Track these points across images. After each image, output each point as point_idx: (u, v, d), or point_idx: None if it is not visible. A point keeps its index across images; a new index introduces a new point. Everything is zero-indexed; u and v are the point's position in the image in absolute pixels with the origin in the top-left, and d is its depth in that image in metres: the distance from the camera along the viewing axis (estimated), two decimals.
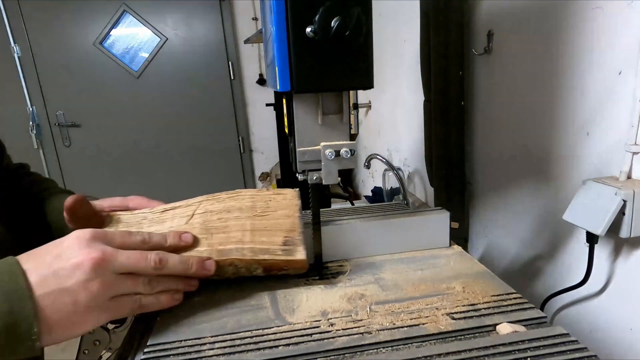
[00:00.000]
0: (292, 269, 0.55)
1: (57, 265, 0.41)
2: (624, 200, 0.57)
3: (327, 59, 0.47)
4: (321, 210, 0.59)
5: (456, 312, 0.48)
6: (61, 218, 0.62)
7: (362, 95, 1.90)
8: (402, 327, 0.45)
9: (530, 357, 0.40)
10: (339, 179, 0.54)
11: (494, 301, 0.50)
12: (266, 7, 0.51)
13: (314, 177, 0.54)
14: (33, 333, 0.38)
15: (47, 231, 0.66)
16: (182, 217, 0.56)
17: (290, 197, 0.58)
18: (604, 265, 0.67)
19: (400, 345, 0.43)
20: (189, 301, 0.53)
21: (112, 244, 0.45)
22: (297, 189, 0.59)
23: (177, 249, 0.51)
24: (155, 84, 2.92)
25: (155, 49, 2.87)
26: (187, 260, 0.49)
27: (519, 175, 0.86)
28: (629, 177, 0.60)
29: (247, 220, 0.55)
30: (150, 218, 0.57)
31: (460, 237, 1.05)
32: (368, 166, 1.32)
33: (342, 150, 0.52)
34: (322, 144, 0.52)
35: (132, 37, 2.86)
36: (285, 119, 0.59)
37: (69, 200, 0.56)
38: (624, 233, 0.58)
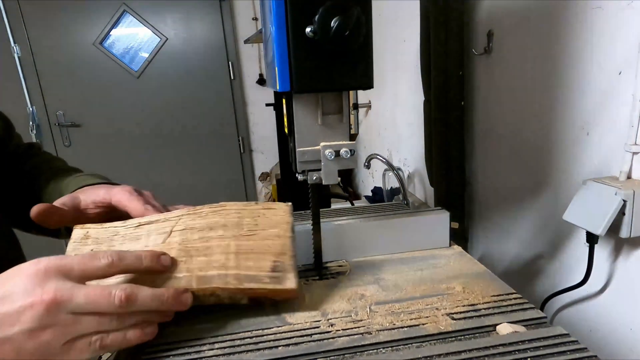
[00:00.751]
0: (281, 298, 0.50)
1: (2, 308, 0.36)
2: (624, 200, 0.57)
3: (327, 59, 0.47)
4: (321, 210, 0.59)
5: (456, 312, 0.48)
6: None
7: (362, 95, 1.89)
8: (402, 327, 0.45)
9: (530, 357, 0.40)
10: (339, 179, 0.54)
11: (494, 301, 0.50)
12: (266, 7, 0.51)
13: (314, 177, 0.54)
14: None
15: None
16: (159, 234, 0.49)
17: (282, 212, 0.51)
18: (604, 265, 0.67)
19: (400, 345, 0.43)
20: None
21: (71, 276, 0.38)
22: (290, 204, 0.53)
23: (152, 273, 0.45)
24: (155, 84, 2.92)
25: (155, 49, 2.87)
26: (160, 295, 0.41)
27: (519, 175, 0.86)
28: (629, 177, 0.60)
29: (232, 241, 0.49)
30: (122, 234, 0.49)
31: (460, 237, 1.05)
32: (368, 166, 1.32)
33: (342, 150, 0.52)
34: (322, 144, 0.52)
35: (132, 37, 2.85)
36: (285, 119, 0.58)
37: (33, 211, 0.48)
38: (624, 233, 0.58)
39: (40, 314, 0.36)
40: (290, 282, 0.48)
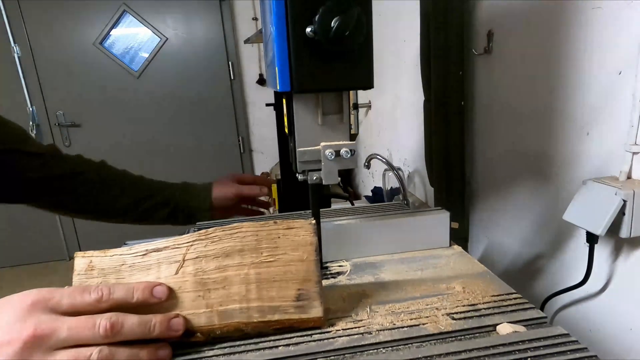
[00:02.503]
0: (306, 326, 0.46)
1: None
2: (624, 200, 0.57)
3: (327, 59, 0.47)
4: (321, 210, 0.59)
5: (456, 312, 0.48)
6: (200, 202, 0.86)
7: (362, 95, 1.89)
8: (402, 327, 0.45)
9: (530, 357, 0.40)
10: (339, 179, 0.54)
11: (494, 301, 0.50)
12: (266, 7, 0.51)
13: (314, 177, 0.54)
14: None
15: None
16: (170, 264, 0.45)
17: (304, 233, 0.47)
18: (604, 265, 0.67)
19: (400, 345, 0.43)
20: None
21: (58, 310, 0.38)
22: (313, 221, 0.48)
23: (147, 305, 0.42)
24: (155, 84, 2.92)
25: (155, 49, 2.88)
26: (147, 320, 0.40)
27: (519, 175, 0.86)
28: (629, 177, 0.60)
29: (252, 269, 0.45)
30: (130, 263, 0.45)
31: (460, 237, 1.05)
32: (368, 166, 1.32)
33: (342, 150, 0.52)
34: (322, 144, 0.52)
35: (132, 37, 2.86)
36: (285, 119, 0.59)
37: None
38: (624, 233, 0.58)
39: (16, 350, 0.35)
40: (316, 310, 0.45)
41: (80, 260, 0.45)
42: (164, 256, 0.45)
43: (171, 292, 0.43)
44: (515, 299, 0.50)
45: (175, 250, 0.45)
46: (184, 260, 0.45)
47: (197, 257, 0.45)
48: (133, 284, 0.42)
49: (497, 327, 0.45)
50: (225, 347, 0.44)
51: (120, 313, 0.39)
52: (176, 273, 0.44)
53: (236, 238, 0.46)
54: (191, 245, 0.45)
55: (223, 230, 0.45)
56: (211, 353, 0.43)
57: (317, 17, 0.44)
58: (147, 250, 0.45)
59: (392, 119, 1.59)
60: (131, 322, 0.39)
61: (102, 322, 0.37)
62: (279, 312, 0.45)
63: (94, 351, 0.37)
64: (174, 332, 0.41)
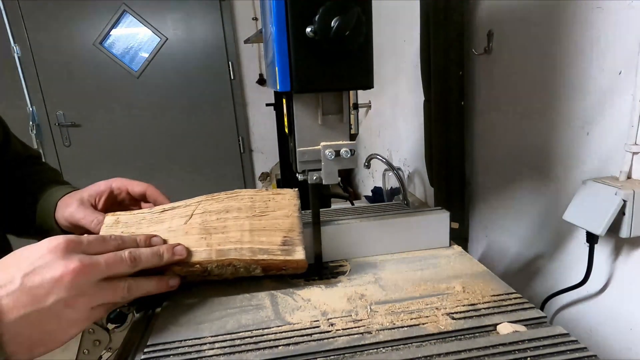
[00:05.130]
0: (290, 268, 0.55)
1: (31, 282, 0.38)
2: (624, 200, 0.57)
3: (327, 59, 0.47)
4: (321, 210, 0.59)
5: (456, 312, 0.48)
6: (48, 220, 0.62)
7: (362, 95, 1.89)
8: (402, 327, 0.45)
9: (530, 357, 0.40)
10: (339, 178, 0.54)
11: (494, 301, 0.50)
12: (266, 7, 0.51)
13: (314, 177, 0.54)
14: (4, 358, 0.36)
15: (36, 231, 0.65)
16: (181, 217, 0.55)
17: (290, 197, 0.58)
18: (604, 265, 0.67)
19: (400, 345, 0.43)
20: (188, 301, 0.53)
21: (88, 252, 0.43)
22: (296, 189, 0.59)
23: (171, 264, 0.50)
24: (155, 84, 2.92)
25: (155, 49, 2.87)
26: (157, 251, 0.49)
27: (519, 175, 0.86)
28: (629, 177, 0.60)
29: (246, 220, 0.55)
30: (149, 218, 0.57)
31: (460, 237, 1.05)
32: (368, 166, 1.32)
33: (342, 150, 0.52)
34: (322, 144, 0.52)
35: (132, 37, 2.86)
36: (285, 119, 0.59)
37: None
38: (624, 233, 0.58)
39: (71, 282, 0.39)
40: (299, 254, 0.53)
41: (110, 218, 0.57)
42: (177, 212, 0.56)
43: (189, 252, 0.52)
44: (515, 298, 0.50)
45: (186, 208, 0.57)
46: (192, 215, 0.56)
47: (203, 212, 0.56)
48: (136, 236, 0.50)
49: (498, 326, 0.45)
50: (225, 347, 0.44)
51: (133, 248, 0.47)
52: (185, 224, 0.55)
53: (236, 199, 0.57)
54: (199, 204, 0.57)
55: (225, 194, 0.58)
56: (211, 352, 0.43)
57: (317, 17, 0.44)
58: (164, 208, 0.57)
59: (392, 119, 1.59)
60: (145, 252, 0.48)
61: (126, 254, 0.45)
62: (267, 253, 0.53)
63: (124, 283, 0.45)
64: (179, 256, 0.50)
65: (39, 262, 0.39)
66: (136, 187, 0.63)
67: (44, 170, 0.73)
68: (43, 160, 0.76)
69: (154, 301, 0.53)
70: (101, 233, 0.55)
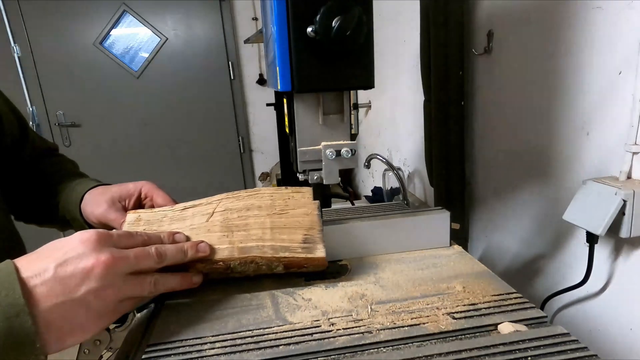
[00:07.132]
0: (311, 266, 0.55)
1: (64, 272, 0.39)
2: (624, 200, 0.57)
3: (328, 59, 0.47)
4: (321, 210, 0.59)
5: (456, 312, 0.48)
6: (72, 210, 0.65)
7: (362, 95, 1.90)
8: (402, 326, 0.45)
9: (530, 356, 0.40)
10: (340, 178, 0.54)
11: (495, 301, 0.50)
12: (267, 7, 0.51)
13: (315, 177, 0.54)
14: (36, 349, 0.37)
15: (59, 220, 0.68)
16: (202, 215, 0.56)
17: (309, 195, 0.58)
18: (604, 265, 0.67)
19: (400, 344, 0.43)
20: (189, 301, 0.53)
21: (117, 247, 0.44)
22: (311, 189, 0.59)
23: (194, 261, 0.51)
24: (155, 84, 2.92)
25: (155, 49, 2.87)
26: (181, 247, 0.50)
27: (519, 175, 0.86)
28: (629, 177, 0.60)
29: (267, 218, 0.55)
30: (170, 216, 0.57)
31: (460, 237, 1.05)
32: (368, 166, 1.32)
33: (343, 150, 0.52)
34: (323, 143, 0.52)
35: (132, 37, 2.85)
36: (286, 119, 0.59)
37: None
38: (624, 233, 0.58)
39: (102, 274, 0.40)
40: (320, 251, 0.54)
41: (132, 215, 0.58)
42: (198, 210, 0.57)
43: (212, 249, 0.52)
44: (515, 298, 0.50)
45: (207, 206, 0.57)
46: (213, 212, 0.56)
47: (224, 210, 0.56)
48: (160, 233, 0.51)
49: (499, 326, 0.45)
50: (226, 347, 0.44)
51: (159, 244, 0.48)
52: (206, 221, 0.55)
53: (256, 197, 0.57)
54: (220, 202, 0.57)
55: (246, 192, 0.58)
56: (212, 352, 0.43)
57: (318, 17, 0.44)
58: (185, 206, 0.58)
59: (392, 119, 1.59)
60: (170, 248, 0.48)
61: (152, 250, 0.46)
62: (289, 251, 0.53)
63: (151, 277, 0.46)
64: (202, 253, 0.51)
65: (71, 254, 0.40)
66: (160, 199, 0.63)
67: (63, 161, 0.77)
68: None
69: (161, 299, 0.53)
70: (123, 229, 0.56)
